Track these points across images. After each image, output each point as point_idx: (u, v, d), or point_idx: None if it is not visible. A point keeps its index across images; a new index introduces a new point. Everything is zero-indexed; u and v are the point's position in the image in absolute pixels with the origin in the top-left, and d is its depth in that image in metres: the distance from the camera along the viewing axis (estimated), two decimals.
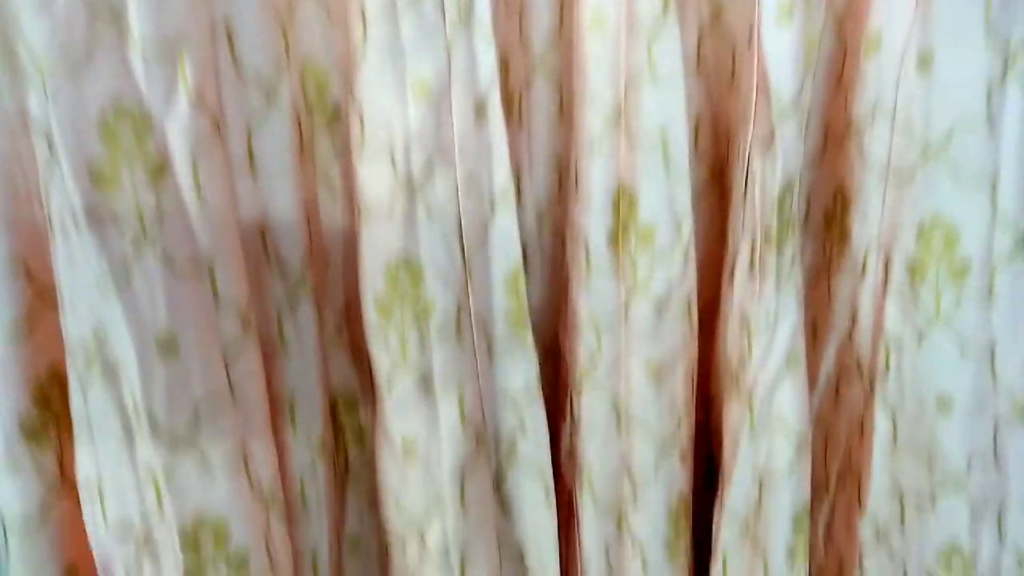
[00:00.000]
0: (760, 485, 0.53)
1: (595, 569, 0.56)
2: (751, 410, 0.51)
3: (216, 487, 0.45)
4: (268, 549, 0.49)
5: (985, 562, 0.52)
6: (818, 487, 0.59)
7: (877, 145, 0.51)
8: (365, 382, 0.54)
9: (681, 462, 0.54)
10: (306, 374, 0.51)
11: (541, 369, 0.53)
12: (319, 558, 0.54)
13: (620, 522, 0.56)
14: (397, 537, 0.54)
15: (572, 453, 0.56)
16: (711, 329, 0.56)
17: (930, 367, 0.51)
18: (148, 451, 0.43)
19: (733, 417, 0.53)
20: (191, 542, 0.45)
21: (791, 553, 0.53)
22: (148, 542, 0.45)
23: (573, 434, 0.56)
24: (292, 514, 0.52)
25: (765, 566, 0.54)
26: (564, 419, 0.56)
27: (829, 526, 0.61)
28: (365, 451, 0.56)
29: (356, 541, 0.58)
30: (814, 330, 0.57)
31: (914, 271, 0.51)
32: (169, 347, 0.42)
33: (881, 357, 0.53)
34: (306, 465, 0.52)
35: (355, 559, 0.58)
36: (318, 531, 0.54)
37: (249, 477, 0.47)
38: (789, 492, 0.52)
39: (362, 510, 0.57)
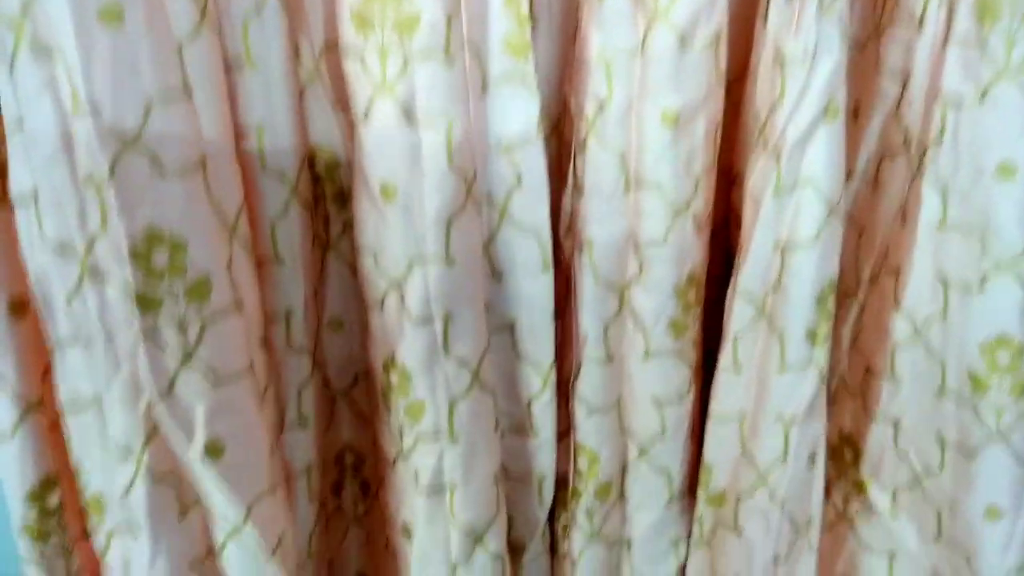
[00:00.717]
0: (781, 258, 0.47)
1: (592, 350, 0.51)
2: (778, 164, 0.45)
3: (171, 197, 0.40)
4: (233, 284, 0.44)
5: None
6: (847, 291, 0.53)
7: None
8: (348, 134, 0.48)
9: (696, 231, 0.48)
10: (276, 102, 0.45)
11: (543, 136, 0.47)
12: (293, 321, 0.50)
13: (622, 299, 0.50)
14: (375, 298, 0.49)
15: (572, 222, 0.50)
16: (741, 84, 0.49)
17: (993, 129, 0.45)
18: (91, 152, 0.38)
19: (756, 176, 0.47)
20: (141, 258, 0.40)
21: (811, 336, 0.47)
22: (90, 260, 0.41)
23: (574, 199, 0.49)
24: (263, 264, 0.48)
25: (781, 351, 0.48)
26: (565, 183, 0.50)
27: (856, 333, 0.54)
28: (347, 215, 0.50)
29: (338, 322, 0.54)
30: (855, 111, 0.50)
31: (984, 14, 0.43)
32: (113, 18, 0.37)
33: (935, 123, 0.47)
34: (278, 208, 0.47)
35: (336, 335, 0.54)
36: (292, 289, 0.49)
37: (210, 195, 0.42)
38: (814, 266, 0.46)
39: (344, 282, 0.52)
